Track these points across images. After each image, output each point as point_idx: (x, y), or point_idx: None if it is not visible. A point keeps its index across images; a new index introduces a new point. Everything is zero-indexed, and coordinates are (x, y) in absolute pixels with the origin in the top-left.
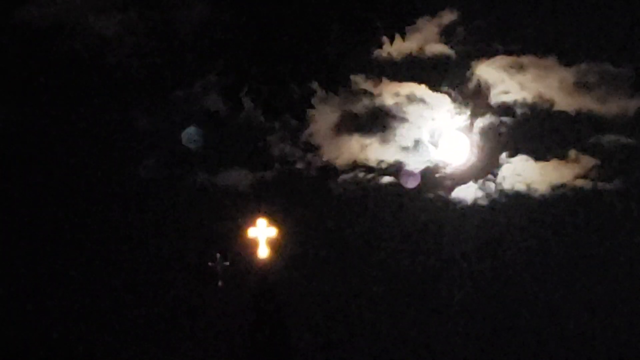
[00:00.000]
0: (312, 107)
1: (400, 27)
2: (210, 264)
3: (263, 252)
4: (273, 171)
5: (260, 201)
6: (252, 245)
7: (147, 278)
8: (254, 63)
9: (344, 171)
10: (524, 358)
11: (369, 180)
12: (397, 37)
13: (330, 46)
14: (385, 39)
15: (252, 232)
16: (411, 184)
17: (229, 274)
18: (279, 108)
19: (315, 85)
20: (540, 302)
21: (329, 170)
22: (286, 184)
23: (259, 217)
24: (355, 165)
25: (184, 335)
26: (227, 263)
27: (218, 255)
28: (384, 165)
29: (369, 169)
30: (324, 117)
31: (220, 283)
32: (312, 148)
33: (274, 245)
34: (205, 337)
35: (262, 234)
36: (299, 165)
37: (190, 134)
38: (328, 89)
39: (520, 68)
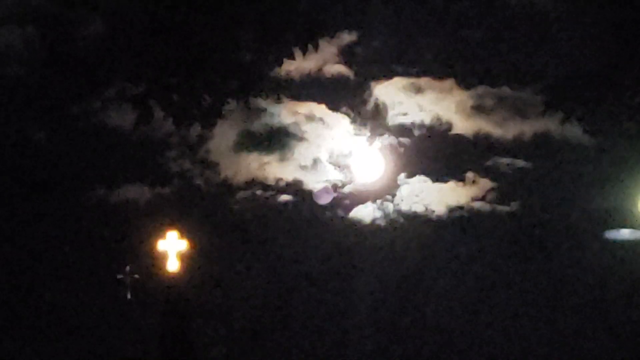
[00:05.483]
0: (222, 116)
1: (312, 38)
2: (119, 276)
3: (173, 265)
4: (171, 187)
5: (161, 216)
6: (162, 258)
7: (54, 291)
8: (164, 71)
9: (242, 188)
10: None
11: (267, 198)
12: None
13: (242, 56)
14: (296, 49)
15: (161, 245)
16: (324, 199)
17: (138, 286)
18: (190, 116)
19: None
20: (435, 321)
21: (227, 187)
22: (185, 199)
23: (169, 230)
24: (253, 183)
25: (92, 347)
26: (136, 276)
27: (127, 267)
28: (282, 184)
29: (267, 187)
30: (222, 134)
31: (129, 295)
32: (211, 165)
33: (184, 258)
34: (114, 349)
35: (171, 247)
36: (197, 182)
37: None
38: (239, 98)
39: (419, 90)
